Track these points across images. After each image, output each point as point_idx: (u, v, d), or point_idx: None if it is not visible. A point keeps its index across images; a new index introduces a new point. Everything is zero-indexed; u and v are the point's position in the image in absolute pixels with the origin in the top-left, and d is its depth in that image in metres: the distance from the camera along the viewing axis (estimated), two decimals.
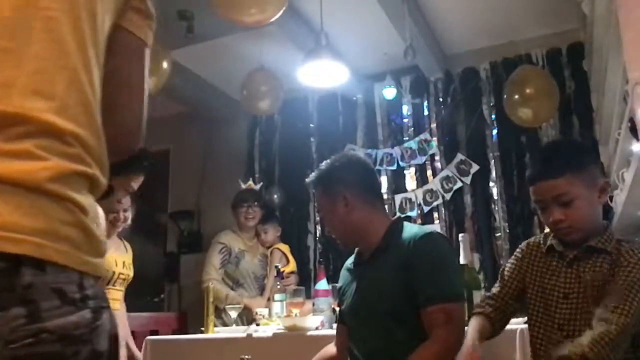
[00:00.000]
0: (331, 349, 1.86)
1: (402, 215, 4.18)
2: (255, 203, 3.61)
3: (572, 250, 1.39)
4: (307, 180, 1.84)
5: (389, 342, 1.58)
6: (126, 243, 2.99)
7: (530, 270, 1.48)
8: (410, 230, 1.68)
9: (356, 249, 1.81)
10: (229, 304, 2.90)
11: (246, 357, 1.88)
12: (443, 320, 1.49)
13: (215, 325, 2.79)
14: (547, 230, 1.55)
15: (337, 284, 2.00)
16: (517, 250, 1.56)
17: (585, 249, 1.37)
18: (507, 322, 1.53)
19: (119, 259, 2.82)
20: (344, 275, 1.86)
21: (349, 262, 1.85)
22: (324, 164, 1.81)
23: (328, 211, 1.76)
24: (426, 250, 1.60)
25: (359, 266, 1.77)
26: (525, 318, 1.84)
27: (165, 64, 2.99)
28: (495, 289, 1.54)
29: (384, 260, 1.66)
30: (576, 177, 1.36)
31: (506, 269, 1.54)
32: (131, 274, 2.88)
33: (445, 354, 1.47)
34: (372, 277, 1.67)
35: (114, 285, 2.77)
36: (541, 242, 1.51)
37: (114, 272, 2.75)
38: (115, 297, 2.77)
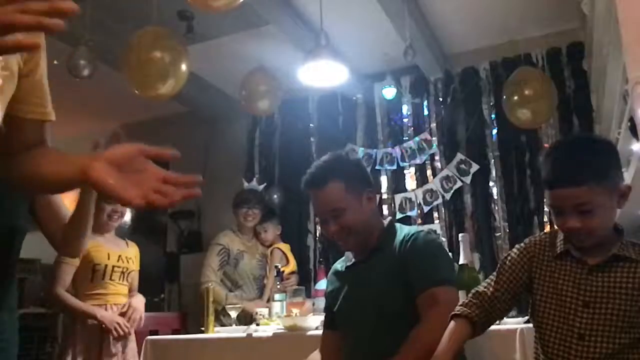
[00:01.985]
0: (316, 356, 1.84)
1: (399, 217, 4.18)
2: (256, 205, 3.60)
3: (593, 257, 1.31)
4: (308, 178, 1.71)
5: (390, 340, 1.58)
6: (128, 241, 2.97)
7: (538, 272, 1.39)
8: (402, 231, 1.72)
9: (347, 254, 1.81)
10: (228, 304, 2.90)
11: None
12: (429, 303, 1.52)
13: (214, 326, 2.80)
14: (548, 228, 1.51)
15: None
16: (519, 248, 1.44)
17: (611, 257, 1.30)
18: (489, 326, 1.42)
19: (113, 252, 2.79)
20: (333, 279, 1.84)
21: (339, 265, 1.84)
22: (330, 160, 1.73)
23: (352, 206, 1.65)
24: (417, 246, 1.64)
25: (352, 268, 1.76)
26: (526, 318, 1.83)
27: (184, 66, 2.89)
28: (488, 287, 1.41)
29: (380, 260, 1.67)
30: (599, 185, 1.25)
31: (507, 266, 1.42)
32: (132, 267, 2.85)
33: (437, 334, 1.41)
34: (370, 278, 1.67)
35: (111, 279, 2.75)
36: (547, 243, 1.41)
37: (106, 265, 2.72)
38: (116, 291, 2.76)
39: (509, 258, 1.44)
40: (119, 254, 2.80)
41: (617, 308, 1.27)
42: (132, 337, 2.74)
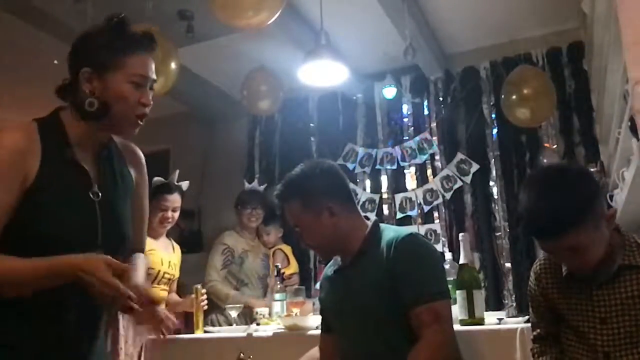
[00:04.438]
0: (316, 353, 1.85)
1: (399, 217, 4.18)
2: (259, 205, 3.61)
3: (599, 273, 1.31)
4: (276, 193, 1.76)
5: (381, 344, 1.58)
6: (174, 243, 3.02)
7: (551, 295, 1.40)
8: (389, 233, 1.67)
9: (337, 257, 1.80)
10: (230, 304, 2.90)
11: (242, 356, 1.88)
12: (431, 319, 1.50)
13: (219, 324, 2.80)
14: None
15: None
16: (530, 282, 1.48)
17: (618, 269, 1.29)
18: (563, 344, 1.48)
19: (165, 258, 2.84)
20: (325, 284, 1.83)
21: (329, 270, 1.83)
22: (293, 175, 1.73)
23: (311, 224, 1.67)
24: (407, 252, 1.59)
25: (340, 272, 1.74)
26: (526, 317, 1.84)
27: (173, 65, 2.90)
28: (536, 328, 1.49)
29: (366, 264, 1.65)
30: (585, 224, 1.23)
31: (533, 305, 1.48)
32: (177, 274, 2.92)
33: (438, 353, 1.48)
34: (356, 282, 1.65)
35: (158, 284, 2.80)
36: (553, 265, 1.41)
37: (159, 271, 2.78)
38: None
39: (532, 296, 1.49)
40: (169, 261, 2.87)
41: (634, 319, 1.27)
42: None
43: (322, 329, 1.85)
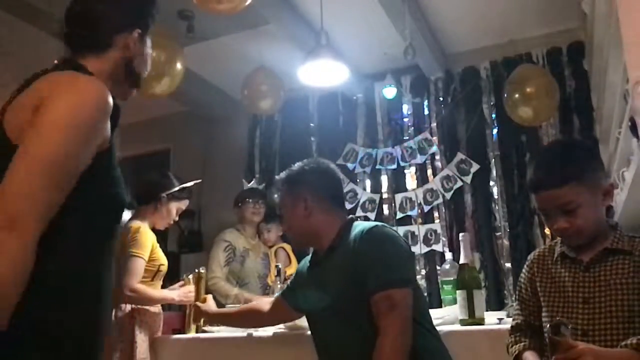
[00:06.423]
0: (265, 305, 2.01)
1: (399, 217, 4.18)
2: (261, 200, 3.63)
3: (587, 254, 1.36)
4: (276, 177, 1.92)
5: (354, 336, 1.60)
6: None
7: (539, 278, 1.45)
8: (357, 227, 1.72)
9: (312, 250, 1.86)
10: (232, 303, 2.89)
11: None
12: (386, 307, 1.51)
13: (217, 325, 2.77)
14: (549, 241, 1.55)
15: None
16: (524, 269, 1.53)
17: (602, 251, 1.34)
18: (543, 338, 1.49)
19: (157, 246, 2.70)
20: (301, 274, 1.91)
21: (304, 264, 1.90)
22: (295, 166, 1.87)
23: (288, 210, 1.82)
24: (370, 242, 1.63)
25: (314, 266, 1.81)
26: None
27: (179, 65, 2.89)
28: (518, 317, 1.51)
29: (335, 259, 1.70)
30: (580, 184, 1.31)
31: (522, 291, 1.51)
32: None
33: (398, 342, 1.48)
34: (326, 277, 1.70)
35: (162, 280, 2.69)
36: (546, 252, 1.48)
37: (166, 267, 2.67)
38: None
39: (520, 282, 1.53)
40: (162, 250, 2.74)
41: (614, 300, 1.30)
42: None
43: (282, 293, 1.98)
